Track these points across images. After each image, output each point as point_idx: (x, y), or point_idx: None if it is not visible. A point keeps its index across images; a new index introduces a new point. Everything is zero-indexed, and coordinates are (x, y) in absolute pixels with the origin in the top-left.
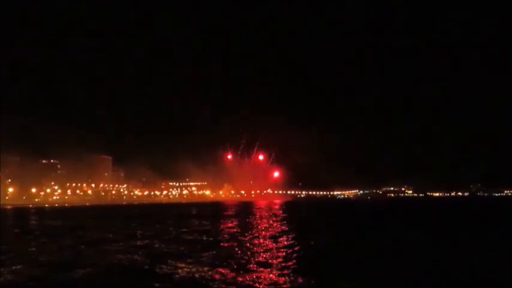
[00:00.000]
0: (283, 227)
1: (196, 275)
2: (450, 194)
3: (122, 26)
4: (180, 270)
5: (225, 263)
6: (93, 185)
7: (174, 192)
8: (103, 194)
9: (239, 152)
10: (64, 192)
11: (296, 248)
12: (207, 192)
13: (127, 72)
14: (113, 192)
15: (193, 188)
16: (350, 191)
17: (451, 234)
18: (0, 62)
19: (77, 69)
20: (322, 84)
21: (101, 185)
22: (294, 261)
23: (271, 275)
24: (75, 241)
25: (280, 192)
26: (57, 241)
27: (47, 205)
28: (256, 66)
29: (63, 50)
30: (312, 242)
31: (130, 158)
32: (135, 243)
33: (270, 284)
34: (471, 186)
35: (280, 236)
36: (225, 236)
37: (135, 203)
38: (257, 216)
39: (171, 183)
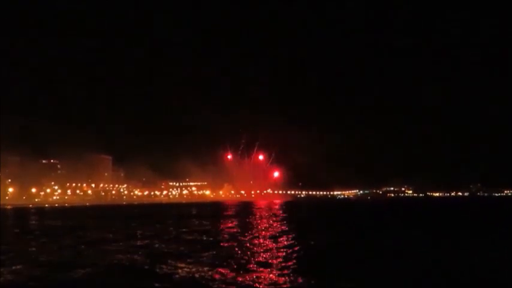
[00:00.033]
0: (283, 227)
1: (196, 275)
2: (450, 194)
3: (122, 26)
4: (180, 270)
5: (225, 263)
6: (93, 185)
7: (174, 192)
8: (103, 194)
9: (239, 152)
10: (64, 192)
11: (296, 248)
12: (207, 192)
13: (127, 72)
14: (113, 192)
15: (193, 188)
16: (350, 191)
17: (451, 234)
18: (0, 62)
19: (77, 69)
20: (322, 84)
21: (101, 185)
22: (294, 261)
23: (271, 275)
24: (75, 241)
25: (280, 192)
26: (57, 241)
27: (47, 205)
28: (256, 66)
29: (63, 50)
30: (312, 242)
31: (130, 158)
32: (135, 243)
33: (270, 284)
34: (471, 186)
35: (280, 236)
36: (225, 236)
37: (135, 203)
38: (257, 216)
39: (171, 183)
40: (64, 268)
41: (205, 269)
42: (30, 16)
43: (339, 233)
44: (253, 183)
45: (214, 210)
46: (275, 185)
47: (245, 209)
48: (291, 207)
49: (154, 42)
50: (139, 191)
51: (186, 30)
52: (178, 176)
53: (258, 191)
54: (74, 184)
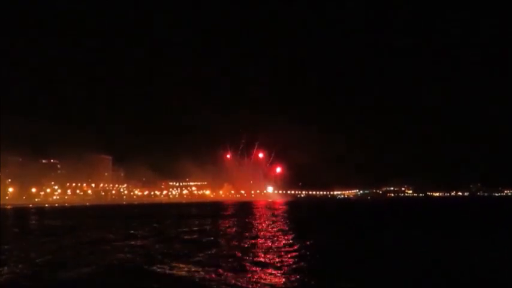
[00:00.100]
0: (283, 227)
1: (196, 275)
2: (450, 194)
3: (122, 26)
4: (180, 270)
5: (225, 263)
6: (93, 185)
7: (174, 192)
8: (103, 193)
9: (239, 152)
10: (64, 192)
11: (296, 248)
12: (207, 192)
13: (127, 72)
14: (113, 192)
15: (193, 188)
16: (350, 191)
17: (451, 234)
18: (0, 62)
19: (77, 69)
20: (322, 84)
21: (101, 185)
22: (294, 261)
23: (271, 275)
24: (75, 241)
25: (280, 192)
26: (57, 241)
27: (47, 205)
28: (256, 66)
29: (63, 50)
30: (312, 242)
31: (130, 158)
32: (135, 243)
33: (269, 284)
34: (471, 186)
35: (280, 236)
36: (225, 235)
37: (135, 202)
38: (257, 216)
39: (171, 183)
40: (64, 268)
41: (205, 269)
42: (30, 16)
43: (339, 233)
44: (253, 183)
45: (214, 210)
46: (275, 184)
47: (245, 209)
48: (291, 207)
49: (154, 42)
50: (139, 191)
51: (186, 30)
52: (178, 176)
53: (258, 191)
54: (74, 184)
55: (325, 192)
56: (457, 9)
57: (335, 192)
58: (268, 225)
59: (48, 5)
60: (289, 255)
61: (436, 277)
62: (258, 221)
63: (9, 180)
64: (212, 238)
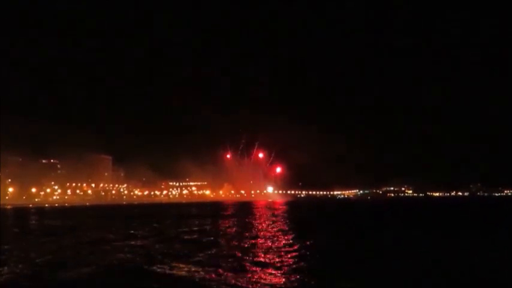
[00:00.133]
0: (283, 227)
1: (196, 275)
2: (450, 194)
3: (122, 26)
4: (179, 270)
5: (224, 263)
6: (93, 185)
7: (174, 192)
8: (103, 193)
9: (239, 152)
10: (64, 192)
11: (296, 248)
12: (207, 192)
13: (127, 72)
14: (113, 192)
15: (193, 188)
16: (350, 191)
17: (451, 234)
18: (0, 62)
19: (77, 69)
20: (322, 84)
21: (101, 185)
22: (294, 261)
23: (271, 275)
24: (75, 241)
25: (280, 192)
26: (57, 241)
27: (47, 205)
28: (256, 66)
29: (63, 50)
30: (312, 242)
31: (130, 158)
32: (135, 243)
33: (269, 284)
34: (471, 186)
35: (280, 236)
36: (225, 235)
37: (135, 202)
38: (257, 216)
39: (171, 183)
40: (64, 268)
41: (205, 269)
42: (30, 16)
43: (339, 233)
44: (253, 183)
45: (214, 210)
46: (275, 184)
47: (245, 209)
48: (291, 207)
49: (154, 42)
50: (139, 191)
51: (186, 30)
52: (178, 176)
53: (258, 191)
54: (74, 184)
55: (325, 192)
56: (457, 9)
57: (335, 192)
58: (268, 225)
59: (48, 5)
60: (289, 255)
61: (436, 277)
62: (258, 221)
63: (9, 180)
64: (212, 238)
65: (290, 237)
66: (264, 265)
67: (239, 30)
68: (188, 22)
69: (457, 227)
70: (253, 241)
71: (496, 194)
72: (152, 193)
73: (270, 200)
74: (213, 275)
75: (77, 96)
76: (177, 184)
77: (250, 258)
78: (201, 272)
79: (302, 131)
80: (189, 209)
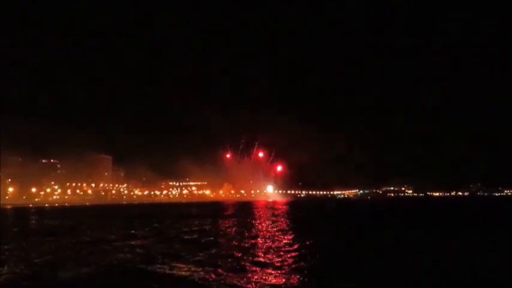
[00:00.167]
0: (282, 227)
1: (196, 275)
2: (450, 193)
3: (122, 26)
4: (179, 270)
5: (224, 263)
6: (93, 185)
7: (174, 192)
8: (103, 193)
9: (239, 152)
10: (64, 192)
11: (296, 248)
12: (207, 192)
13: (127, 72)
14: (113, 191)
15: (193, 188)
16: (350, 191)
17: (451, 234)
18: (0, 62)
19: (77, 69)
20: (322, 84)
21: (101, 185)
22: (294, 261)
23: (270, 275)
24: (75, 241)
25: (281, 191)
26: (57, 241)
27: (47, 205)
28: (256, 66)
29: (63, 50)
30: (312, 242)
31: (130, 158)
32: (135, 243)
33: (269, 284)
34: (471, 186)
35: (280, 236)
36: (225, 235)
37: (135, 202)
38: (257, 215)
39: (171, 183)
40: (64, 268)
41: (205, 269)
42: (30, 16)
43: (339, 233)
44: (253, 183)
45: (214, 210)
46: (275, 184)
47: (245, 209)
48: (291, 207)
49: (154, 42)
50: (139, 191)
51: (186, 30)
52: (178, 175)
53: (258, 191)
54: (74, 184)
55: (325, 192)
56: (457, 9)
57: (335, 192)
58: (268, 225)
59: (48, 5)
60: (289, 255)
61: (436, 277)
62: (258, 221)
63: (9, 180)
64: (212, 238)
65: (290, 237)
66: (263, 265)
67: (239, 30)
68: (188, 22)
69: (457, 227)
70: (253, 241)
71: (496, 194)
72: (152, 193)
73: (270, 200)
74: (213, 275)
75: (77, 96)
76: (177, 184)
77: (250, 258)
78: (201, 272)
79: (302, 131)
80: (189, 209)
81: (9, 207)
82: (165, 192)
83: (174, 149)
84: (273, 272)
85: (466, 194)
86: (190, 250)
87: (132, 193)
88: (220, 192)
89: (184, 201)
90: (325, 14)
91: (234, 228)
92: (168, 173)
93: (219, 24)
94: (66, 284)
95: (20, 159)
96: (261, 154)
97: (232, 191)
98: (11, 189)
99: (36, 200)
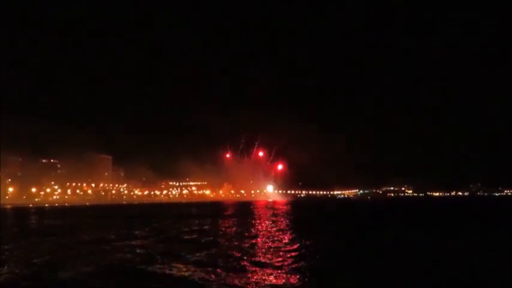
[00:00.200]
0: (282, 227)
1: (196, 275)
2: (450, 193)
3: (122, 26)
4: (179, 270)
5: (224, 263)
6: (93, 185)
7: (174, 192)
8: (103, 193)
9: (239, 152)
10: (64, 192)
11: (296, 248)
12: (207, 192)
13: (127, 72)
14: (113, 191)
15: (193, 188)
16: (350, 191)
17: (451, 234)
18: (0, 62)
19: (77, 69)
20: (322, 84)
21: (101, 185)
22: (294, 261)
23: (270, 275)
24: (75, 241)
25: (280, 191)
26: (57, 241)
27: (47, 205)
28: (256, 66)
29: (63, 50)
30: (312, 242)
31: (130, 158)
32: (135, 243)
33: (269, 284)
34: (471, 186)
35: (280, 236)
36: (225, 235)
37: (135, 202)
38: (256, 215)
39: (171, 183)
40: (64, 268)
41: (205, 269)
42: (30, 16)
43: (339, 233)
44: (253, 182)
45: (214, 210)
46: (275, 184)
47: (245, 209)
48: (291, 207)
49: (154, 42)
50: (139, 191)
51: (186, 30)
52: (178, 175)
53: (258, 191)
54: (74, 184)
55: (325, 192)
56: (457, 9)
57: (335, 192)
58: (268, 225)
59: (48, 5)
60: (289, 255)
61: (436, 277)
62: (258, 221)
63: (9, 180)
64: (212, 238)
65: (290, 237)
66: (263, 265)
67: (239, 30)
68: (188, 22)
69: (457, 227)
70: (253, 241)
71: (496, 194)
72: (152, 193)
73: (270, 200)
74: (213, 275)
75: (77, 96)
76: (177, 184)
77: (250, 258)
78: (201, 272)
79: (302, 131)
80: (189, 209)
81: (9, 207)
82: (165, 192)
83: (174, 149)
84: (273, 272)
85: (466, 194)
86: (190, 250)
87: (132, 193)
88: (220, 192)
89: (184, 201)
90: (325, 14)
91: (234, 228)
92: (168, 173)
93: (219, 24)
94: (66, 284)
95: (20, 159)
96: (261, 154)
97: (232, 191)
98: (11, 189)
99: (36, 200)
